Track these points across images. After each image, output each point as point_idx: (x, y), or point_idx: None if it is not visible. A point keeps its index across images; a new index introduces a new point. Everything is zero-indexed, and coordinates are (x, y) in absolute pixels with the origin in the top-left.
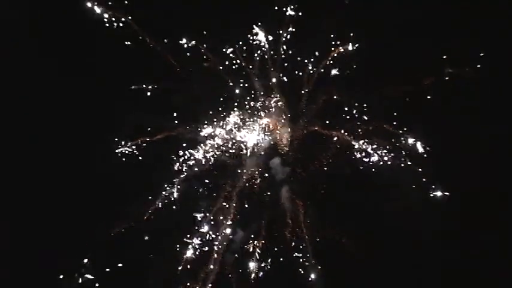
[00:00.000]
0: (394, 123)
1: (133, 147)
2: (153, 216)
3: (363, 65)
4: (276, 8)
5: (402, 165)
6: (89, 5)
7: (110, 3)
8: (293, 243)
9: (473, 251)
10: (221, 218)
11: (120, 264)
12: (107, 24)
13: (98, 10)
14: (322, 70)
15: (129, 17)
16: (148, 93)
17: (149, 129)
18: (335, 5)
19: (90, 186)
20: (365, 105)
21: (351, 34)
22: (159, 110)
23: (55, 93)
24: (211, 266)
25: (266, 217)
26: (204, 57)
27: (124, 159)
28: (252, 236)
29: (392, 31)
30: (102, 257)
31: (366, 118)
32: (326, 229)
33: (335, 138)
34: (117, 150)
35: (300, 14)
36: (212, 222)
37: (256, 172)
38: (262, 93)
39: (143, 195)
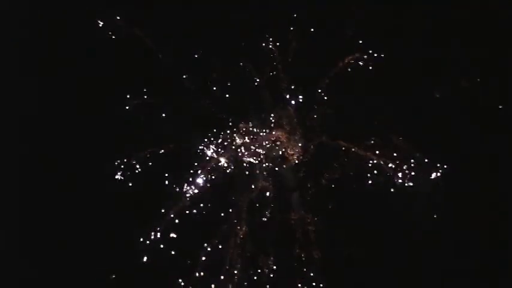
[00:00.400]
0: (412, 140)
1: (141, 158)
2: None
3: (379, 74)
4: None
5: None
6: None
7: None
8: (302, 258)
9: None
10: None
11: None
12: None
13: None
14: (336, 80)
15: (137, 30)
16: (154, 105)
17: (157, 140)
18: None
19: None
20: (381, 118)
21: (366, 42)
22: (167, 121)
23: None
24: (222, 277)
25: (275, 232)
26: (212, 68)
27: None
28: (260, 250)
29: (412, 39)
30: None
31: (382, 132)
32: (335, 246)
33: (349, 152)
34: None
35: (311, 21)
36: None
37: (267, 185)
38: (272, 104)
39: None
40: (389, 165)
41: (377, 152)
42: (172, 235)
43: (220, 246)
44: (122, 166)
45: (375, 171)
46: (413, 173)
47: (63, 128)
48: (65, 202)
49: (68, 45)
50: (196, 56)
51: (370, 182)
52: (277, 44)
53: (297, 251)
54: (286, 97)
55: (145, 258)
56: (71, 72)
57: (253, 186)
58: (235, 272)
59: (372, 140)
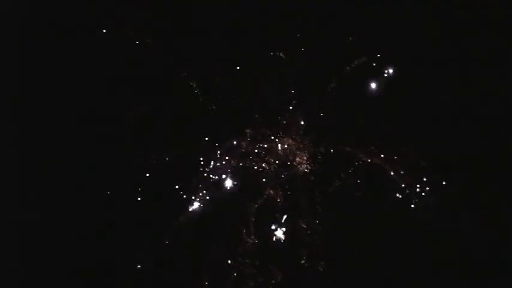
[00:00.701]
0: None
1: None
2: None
3: (389, 80)
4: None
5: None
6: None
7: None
8: (309, 269)
9: None
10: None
11: None
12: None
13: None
14: (345, 86)
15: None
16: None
17: (163, 146)
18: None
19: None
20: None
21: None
22: (175, 126)
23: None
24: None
25: (284, 240)
26: (219, 73)
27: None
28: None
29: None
30: None
31: (391, 140)
32: (343, 256)
33: (359, 160)
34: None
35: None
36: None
37: (275, 192)
38: (281, 111)
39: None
40: (400, 173)
41: (387, 160)
42: (178, 242)
43: (227, 255)
44: (126, 171)
45: (385, 180)
46: (424, 184)
47: (63, 128)
48: (67, 204)
49: (68, 45)
50: (203, 60)
51: (379, 191)
52: (286, 49)
53: (304, 261)
54: (294, 104)
55: (150, 265)
56: (71, 72)
57: (261, 194)
58: (243, 281)
59: (381, 148)
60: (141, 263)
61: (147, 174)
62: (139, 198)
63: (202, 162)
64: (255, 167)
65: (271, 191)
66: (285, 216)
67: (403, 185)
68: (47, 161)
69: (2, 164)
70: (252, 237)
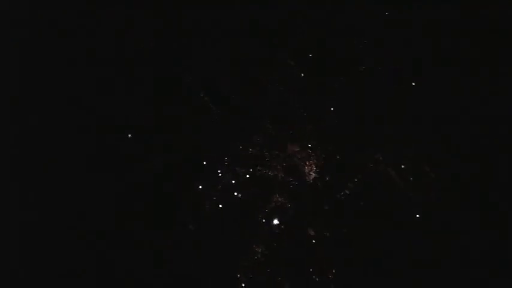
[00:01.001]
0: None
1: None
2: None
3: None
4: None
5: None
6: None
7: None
8: (317, 279)
9: None
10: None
11: None
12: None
13: None
14: (354, 91)
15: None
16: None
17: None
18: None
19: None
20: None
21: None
22: (177, 130)
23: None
24: None
25: (292, 249)
26: (226, 79)
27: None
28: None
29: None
30: None
31: (401, 148)
32: (351, 265)
33: (368, 168)
34: None
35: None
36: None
37: (283, 200)
38: (288, 118)
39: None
40: (408, 180)
41: (395, 166)
42: (183, 251)
43: (234, 264)
44: (127, 172)
45: (394, 188)
46: (424, 184)
47: (64, 128)
48: (67, 204)
49: (68, 45)
50: (209, 64)
51: (388, 199)
52: (294, 55)
53: (312, 271)
54: (303, 110)
55: (150, 269)
56: (71, 72)
57: (269, 202)
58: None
59: (390, 154)
60: (141, 265)
61: (149, 178)
62: (139, 200)
63: (207, 170)
64: (263, 174)
65: (280, 198)
66: (293, 224)
67: (410, 192)
68: (47, 161)
69: (2, 164)
70: (260, 245)
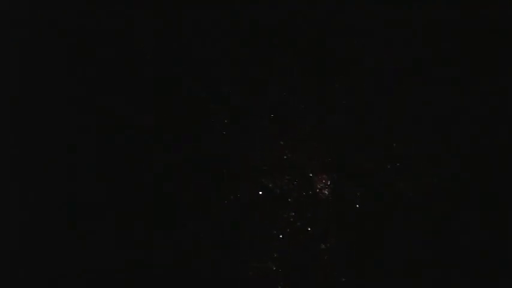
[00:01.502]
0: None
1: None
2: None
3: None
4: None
5: None
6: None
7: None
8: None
9: None
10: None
11: None
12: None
13: None
14: (354, 91)
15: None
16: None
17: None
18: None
19: None
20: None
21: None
22: (176, 134)
23: None
24: None
25: (304, 263)
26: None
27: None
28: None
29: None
30: None
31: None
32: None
33: (378, 180)
34: None
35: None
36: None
37: (293, 214)
38: (288, 118)
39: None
40: (411, 189)
41: (395, 166)
42: (183, 251)
43: (234, 265)
44: (129, 173)
45: (394, 188)
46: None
47: (64, 128)
48: (67, 204)
49: (68, 45)
50: (210, 65)
51: (389, 199)
52: (294, 54)
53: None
54: (303, 110)
55: (154, 275)
56: (71, 72)
57: (268, 201)
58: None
59: (390, 154)
60: (141, 265)
61: (149, 178)
62: (139, 200)
63: (207, 170)
64: (263, 174)
65: (289, 212)
66: (293, 224)
67: (410, 192)
68: (47, 161)
69: (2, 164)
70: (270, 260)
